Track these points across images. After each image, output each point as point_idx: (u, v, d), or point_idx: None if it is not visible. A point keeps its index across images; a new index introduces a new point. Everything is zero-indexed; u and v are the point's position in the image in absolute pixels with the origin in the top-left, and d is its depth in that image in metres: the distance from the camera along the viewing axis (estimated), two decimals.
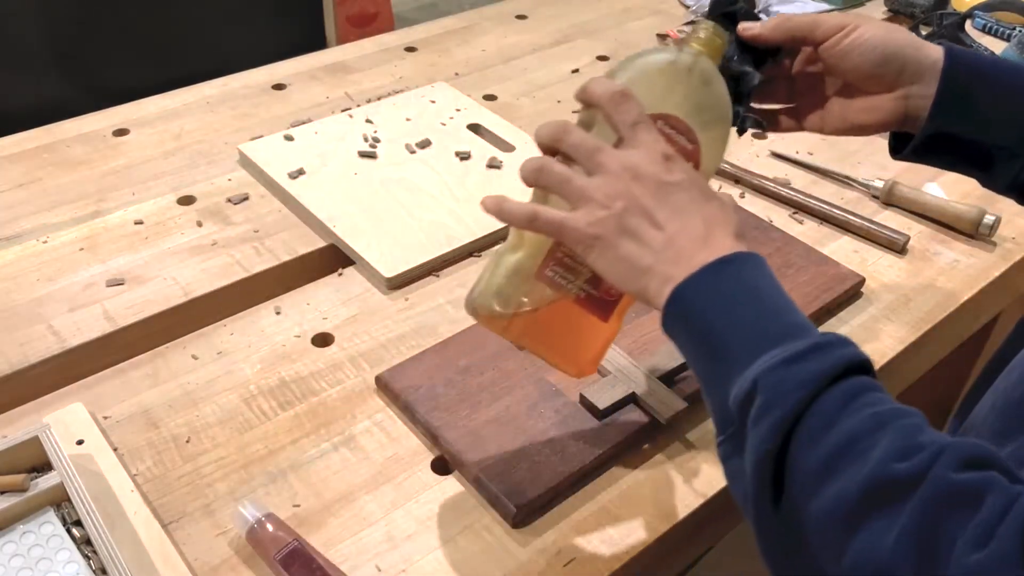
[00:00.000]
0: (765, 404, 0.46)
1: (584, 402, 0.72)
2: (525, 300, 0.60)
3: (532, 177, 0.56)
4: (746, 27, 0.64)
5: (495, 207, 0.56)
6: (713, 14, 0.64)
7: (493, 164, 1.01)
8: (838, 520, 0.43)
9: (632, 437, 0.70)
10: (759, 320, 0.50)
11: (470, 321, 0.81)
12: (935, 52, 0.65)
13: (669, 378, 0.74)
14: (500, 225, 0.92)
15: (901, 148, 0.69)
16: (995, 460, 0.43)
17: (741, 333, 0.50)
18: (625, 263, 0.54)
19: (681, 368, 0.75)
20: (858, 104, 0.68)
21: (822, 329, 0.83)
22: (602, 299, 0.60)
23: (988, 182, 0.69)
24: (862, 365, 0.48)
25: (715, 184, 1.03)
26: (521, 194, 0.94)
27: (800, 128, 0.71)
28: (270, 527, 0.61)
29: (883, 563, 0.41)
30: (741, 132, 0.66)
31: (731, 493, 0.51)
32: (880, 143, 1.13)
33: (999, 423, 0.55)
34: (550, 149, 0.57)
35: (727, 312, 0.50)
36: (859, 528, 0.43)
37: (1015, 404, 0.55)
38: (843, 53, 0.65)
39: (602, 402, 0.71)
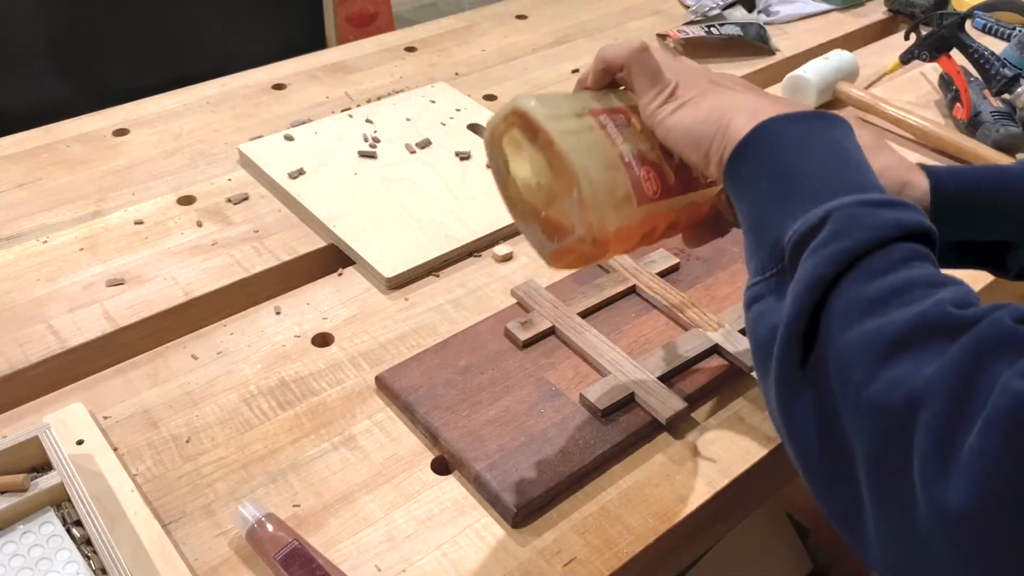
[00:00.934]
0: (834, 233, 0.46)
1: (584, 402, 0.72)
2: (571, 124, 0.57)
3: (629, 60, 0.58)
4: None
5: (602, 50, 0.59)
6: None
7: None
8: (878, 347, 0.42)
9: (632, 437, 0.70)
10: (843, 168, 0.49)
11: (470, 321, 0.81)
12: (921, 185, 0.63)
13: (669, 378, 0.74)
14: (500, 225, 0.92)
15: None
16: None
17: (822, 174, 0.49)
18: (711, 107, 0.54)
19: (681, 368, 0.75)
20: None
21: None
22: (641, 181, 0.57)
23: (1002, 274, 0.68)
24: (933, 239, 0.47)
25: None
26: None
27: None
28: (270, 527, 0.61)
29: (916, 389, 0.40)
30: None
31: (750, 336, 0.50)
32: None
33: None
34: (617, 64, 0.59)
35: (811, 154, 0.50)
36: (898, 357, 0.41)
37: None
38: None
39: (602, 402, 0.71)
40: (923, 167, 0.64)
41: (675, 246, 0.89)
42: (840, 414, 0.43)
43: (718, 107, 0.54)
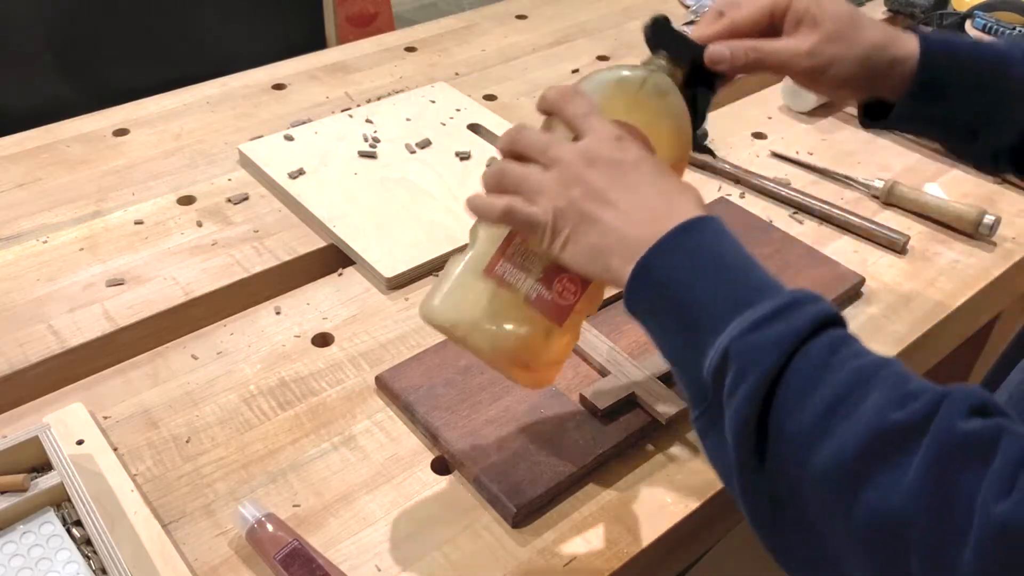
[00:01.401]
0: (740, 371, 0.45)
1: (584, 402, 0.72)
2: (473, 309, 0.59)
3: (493, 182, 0.57)
4: (714, 59, 0.63)
5: (471, 204, 0.58)
6: (658, 41, 0.64)
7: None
8: (840, 478, 0.42)
9: (632, 437, 0.70)
10: (725, 285, 0.49)
11: None
12: (909, 46, 0.64)
13: (669, 378, 0.74)
14: None
15: (872, 116, 0.68)
16: (997, 406, 0.43)
17: (708, 301, 0.49)
18: (590, 248, 0.53)
19: None
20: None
21: None
22: (555, 302, 0.59)
23: (978, 153, 0.68)
24: (834, 319, 0.47)
25: (716, 184, 1.03)
26: None
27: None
28: (270, 527, 0.61)
29: (896, 517, 0.40)
30: (696, 150, 0.67)
31: (713, 468, 0.50)
32: (881, 143, 1.14)
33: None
34: (510, 153, 0.57)
35: (692, 280, 0.50)
36: (865, 483, 0.41)
37: None
38: (814, 78, 0.65)
39: (602, 402, 0.71)
40: (919, 34, 0.64)
41: None
42: (826, 541, 0.44)
43: (595, 246, 0.53)
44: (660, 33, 0.64)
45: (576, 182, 0.54)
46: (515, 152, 0.57)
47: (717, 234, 0.51)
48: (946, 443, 0.40)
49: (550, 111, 0.58)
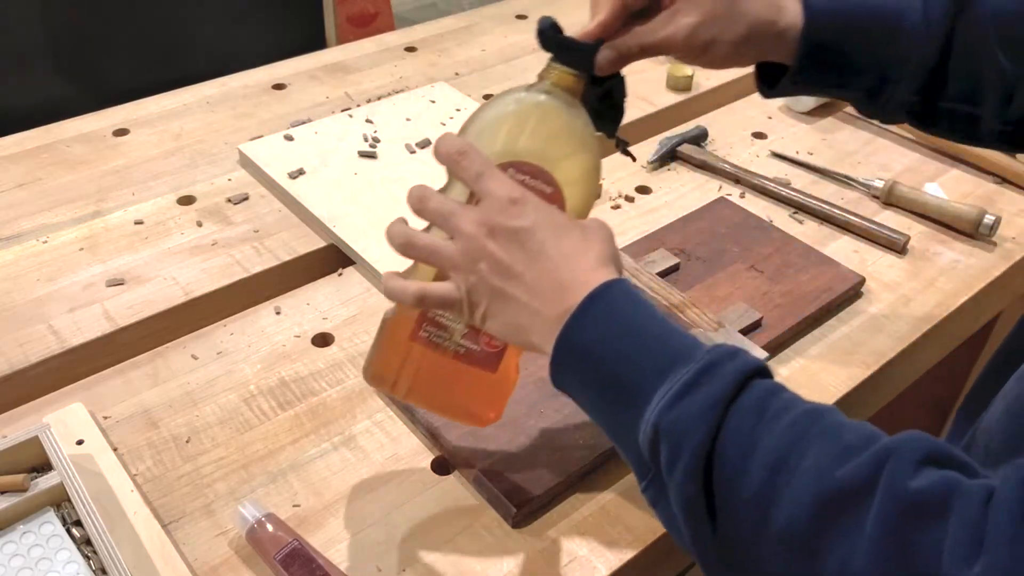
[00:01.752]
0: (673, 447, 0.45)
1: None
2: (405, 361, 0.61)
3: (402, 249, 0.56)
4: (605, 68, 0.61)
5: (384, 288, 0.57)
6: (553, 52, 0.62)
7: None
8: (798, 547, 0.42)
9: None
10: (643, 353, 0.48)
11: None
12: (793, 15, 0.61)
13: None
14: None
15: (769, 83, 0.66)
16: (947, 453, 0.42)
17: (629, 373, 0.48)
18: (508, 324, 0.53)
19: None
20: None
21: (823, 329, 0.83)
22: (484, 352, 0.60)
23: (870, 112, 0.67)
24: (756, 371, 0.46)
25: (716, 184, 1.03)
26: None
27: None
28: (270, 527, 0.61)
29: None
30: (622, 151, 0.65)
31: (669, 534, 0.49)
32: (881, 143, 1.14)
33: (1013, 428, 0.55)
34: (417, 216, 0.57)
35: (610, 354, 0.49)
36: (823, 550, 0.41)
37: None
38: (695, 57, 0.62)
39: None
40: (804, 2, 0.62)
41: (675, 246, 0.89)
42: None
43: (511, 324, 0.53)
44: (548, 43, 0.61)
45: (481, 256, 0.53)
46: (422, 209, 0.56)
47: (626, 298, 0.50)
48: (898, 503, 0.40)
49: (446, 166, 0.57)
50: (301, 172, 0.98)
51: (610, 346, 0.49)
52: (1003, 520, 0.38)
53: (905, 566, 0.39)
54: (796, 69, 0.62)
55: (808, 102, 1.16)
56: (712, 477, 0.44)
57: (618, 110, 0.63)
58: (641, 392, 0.47)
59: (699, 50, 0.61)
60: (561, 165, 0.57)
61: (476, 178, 0.54)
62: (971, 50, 0.61)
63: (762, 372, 0.47)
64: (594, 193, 0.60)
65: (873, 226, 0.94)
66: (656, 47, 0.60)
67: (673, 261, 0.86)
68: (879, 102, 0.64)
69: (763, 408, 0.45)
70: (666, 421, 0.45)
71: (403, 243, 0.56)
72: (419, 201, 0.56)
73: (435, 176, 1.04)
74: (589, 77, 0.60)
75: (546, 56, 0.61)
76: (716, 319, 0.79)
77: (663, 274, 0.85)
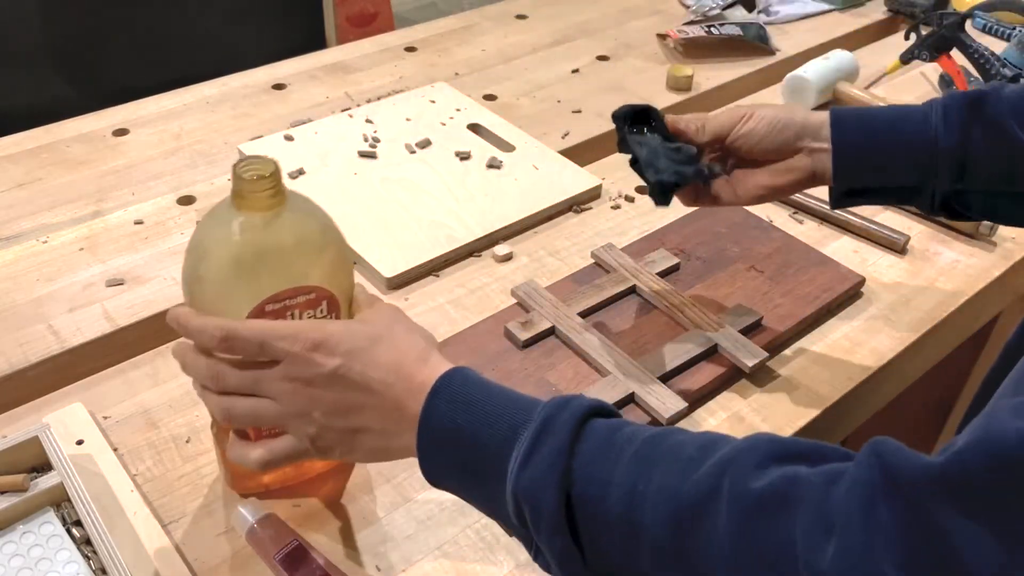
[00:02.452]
0: (534, 511, 0.46)
1: None
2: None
3: (225, 418, 0.54)
4: (676, 126, 0.72)
5: (231, 455, 0.55)
6: (626, 119, 0.72)
7: (493, 164, 1.01)
8: (666, 565, 0.44)
9: None
10: (488, 428, 0.49)
11: (470, 321, 0.81)
12: (823, 113, 0.70)
13: (669, 378, 0.74)
14: (500, 225, 0.92)
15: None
16: (789, 451, 0.44)
17: (483, 456, 0.49)
18: (369, 451, 0.53)
19: (681, 368, 0.75)
20: (769, 170, 0.72)
21: (823, 329, 0.83)
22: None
23: (920, 208, 0.72)
24: (592, 412, 0.48)
25: None
26: (517, 193, 0.94)
27: (717, 204, 0.74)
28: (270, 527, 0.61)
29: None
30: (707, 181, 0.71)
31: None
32: None
33: None
34: (217, 389, 0.54)
35: (462, 440, 0.49)
36: (691, 563, 0.43)
37: None
38: (746, 134, 0.71)
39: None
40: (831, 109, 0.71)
41: (675, 246, 0.89)
42: None
43: (371, 450, 0.53)
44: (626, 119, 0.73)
45: (310, 406, 0.52)
46: (223, 388, 0.53)
47: (463, 383, 0.51)
48: (742, 504, 0.42)
49: (215, 352, 0.53)
50: (301, 172, 0.98)
51: (461, 433, 0.49)
52: (849, 499, 0.39)
53: (764, 561, 0.41)
54: (836, 165, 0.69)
55: (808, 101, 1.16)
56: (576, 525, 0.46)
57: (692, 160, 0.70)
58: (497, 465, 0.48)
59: (747, 131, 0.72)
60: (310, 272, 0.54)
61: (260, 351, 0.51)
62: (991, 131, 0.66)
63: (598, 411, 0.49)
64: (349, 260, 0.59)
65: (873, 226, 0.94)
66: (720, 134, 0.72)
67: (673, 261, 0.86)
68: (927, 197, 0.69)
69: (606, 447, 0.47)
70: (521, 487, 0.47)
71: (224, 415, 0.53)
72: (216, 381, 0.53)
73: (435, 176, 1.04)
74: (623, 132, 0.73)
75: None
76: (716, 319, 0.79)
77: (663, 274, 0.85)
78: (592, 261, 0.88)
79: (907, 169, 0.68)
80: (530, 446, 0.47)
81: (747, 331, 0.79)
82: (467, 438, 0.49)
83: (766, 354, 0.77)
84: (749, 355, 0.76)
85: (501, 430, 0.49)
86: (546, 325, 0.78)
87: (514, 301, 0.83)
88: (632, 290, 0.83)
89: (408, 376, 0.52)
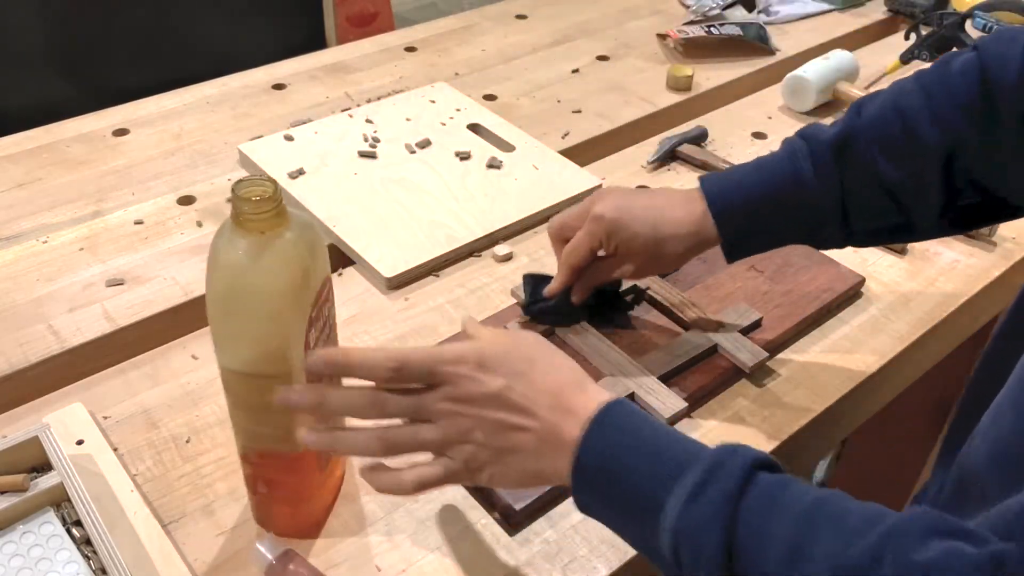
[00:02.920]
0: (693, 552, 0.47)
1: None
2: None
3: (382, 447, 0.54)
4: (576, 301, 0.76)
5: (379, 487, 0.56)
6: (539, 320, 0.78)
7: (493, 164, 1.01)
8: None
9: None
10: (652, 466, 0.50)
11: None
12: (710, 234, 0.69)
13: (669, 378, 0.74)
14: (500, 225, 0.92)
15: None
16: (953, 527, 0.43)
17: (642, 488, 0.49)
18: (520, 474, 0.54)
19: (681, 368, 0.75)
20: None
21: (823, 329, 0.83)
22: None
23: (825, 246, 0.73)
24: (762, 463, 0.48)
25: None
26: (517, 193, 0.94)
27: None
28: (290, 563, 0.59)
29: None
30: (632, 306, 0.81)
31: None
32: None
33: (1001, 475, 0.54)
34: (380, 416, 0.55)
35: (622, 473, 0.50)
36: None
37: (1015, 458, 0.55)
38: (623, 258, 0.73)
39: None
40: (702, 185, 0.70)
41: None
42: None
43: (523, 473, 0.54)
44: (533, 314, 0.78)
45: (473, 425, 0.53)
46: (384, 415, 0.55)
47: (628, 416, 0.52)
48: (905, 571, 0.41)
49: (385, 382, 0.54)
50: (301, 172, 0.98)
51: (620, 463, 0.50)
52: None
53: None
54: (729, 253, 0.71)
55: (808, 101, 1.16)
56: (733, 571, 0.46)
57: (624, 305, 0.81)
58: (655, 503, 0.49)
59: (645, 276, 0.76)
60: (325, 266, 0.56)
61: (429, 375, 0.53)
62: (863, 174, 0.67)
63: (765, 464, 0.49)
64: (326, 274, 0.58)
65: None
66: (607, 282, 0.76)
67: None
68: (820, 243, 0.71)
69: (771, 501, 0.47)
70: (681, 526, 0.47)
71: (385, 447, 0.54)
72: (376, 407, 0.54)
73: (435, 176, 1.04)
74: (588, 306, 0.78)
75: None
76: (716, 319, 0.79)
77: (664, 274, 0.85)
78: None
79: (793, 231, 0.70)
80: (697, 487, 0.47)
81: (747, 331, 0.79)
82: (627, 471, 0.50)
83: (766, 354, 0.77)
84: (749, 355, 0.76)
85: (666, 467, 0.49)
86: (545, 324, 0.78)
87: (514, 301, 0.83)
88: (632, 289, 0.83)
89: (568, 401, 0.53)
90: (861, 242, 0.72)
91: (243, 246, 0.51)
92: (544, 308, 0.77)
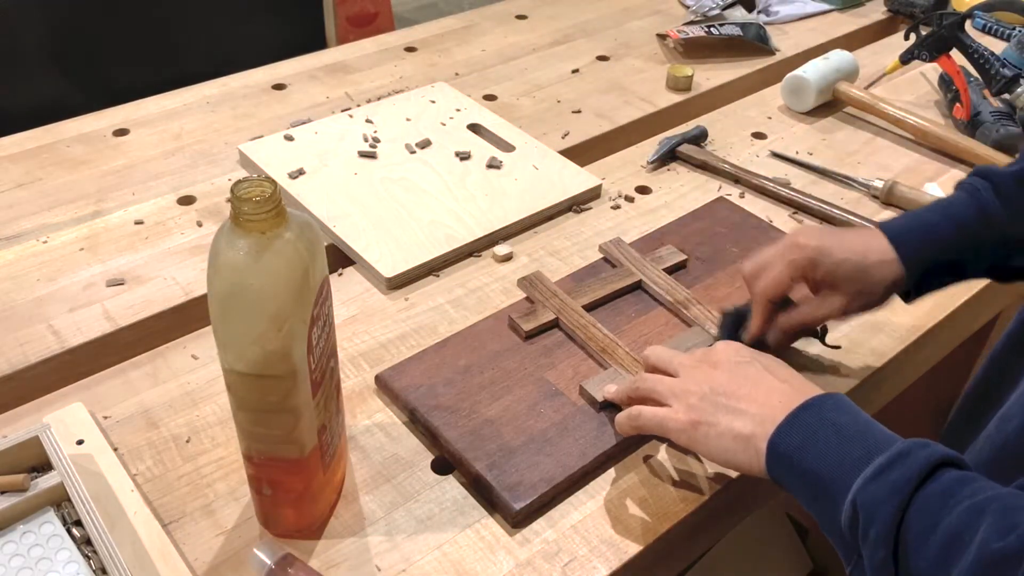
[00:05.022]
0: (867, 519, 0.50)
1: (583, 394, 0.72)
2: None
3: (630, 389, 0.67)
4: (776, 347, 0.74)
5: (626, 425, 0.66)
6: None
7: (493, 164, 1.01)
8: None
9: (632, 437, 0.70)
10: (844, 448, 0.54)
11: (470, 321, 0.81)
12: (889, 263, 0.69)
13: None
14: (500, 225, 0.92)
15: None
16: None
17: (831, 465, 0.54)
18: (727, 436, 0.59)
19: None
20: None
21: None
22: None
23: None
24: (948, 460, 0.51)
25: (716, 184, 1.03)
26: (517, 193, 0.94)
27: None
28: (290, 570, 0.58)
29: None
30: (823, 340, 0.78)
31: None
32: (881, 143, 1.14)
33: (1003, 477, 0.55)
34: (647, 367, 0.69)
35: (814, 450, 0.55)
36: None
37: (1019, 459, 0.56)
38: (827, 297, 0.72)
39: (601, 395, 0.71)
40: (882, 226, 0.70)
41: (676, 246, 0.89)
42: None
43: (730, 435, 0.60)
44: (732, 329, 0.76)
45: (705, 380, 0.62)
46: (648, 366, 0.68)
47: (834, 407, 0.57)
48: None
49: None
50: (301, 172, 0.98)
51: (817, 445, 0.55)
52: None
53: None
54: (916, 289, 0.71)
55: (808, 101, 1.16)
56: (898, 545, 0.49)
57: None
58: (843, 481, 0.53)
59: (853, 313, 0.72)
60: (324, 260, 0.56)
61: (704, 355, 0.66)
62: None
63: (953, 462, 0.51)
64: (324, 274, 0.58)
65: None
66: (814, 324, 0.74)
67: (681, 257, 0.87)
68: (1006, 276, 0.72)
69: (950, 493, 0.49)
70: (863, 496, 0.51)
71: (631, 384, 0.67)
72: (649, 359, 0.68)
73: (435, 176, 1.04)
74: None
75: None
76: (719, 317, 0.79)
77: (670, 270, 0.85)
78: (599, 256, 0.89)
79: (979, 264, 0.70)
80: (883, 466, 0.51)
81: None
82: (816, 456, 0.55)
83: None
84: None
85: (856, 452, 0.53)
86: (550, 317, 0.78)
87: (515, 299, 0.83)
88: (638, 285, 0.83)
89: (798, 386, 0.60)
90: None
91: (244, 247, 0.51)
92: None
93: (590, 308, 0.81)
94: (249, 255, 0.51)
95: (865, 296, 0.70)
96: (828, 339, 0.78)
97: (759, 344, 0.73)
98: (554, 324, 0.79)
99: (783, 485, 0.57)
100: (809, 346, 0.81)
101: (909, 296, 0.71)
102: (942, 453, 0.51)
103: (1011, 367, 0.69)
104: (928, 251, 0.69)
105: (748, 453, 0.58)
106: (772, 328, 0.73)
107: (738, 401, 0.60)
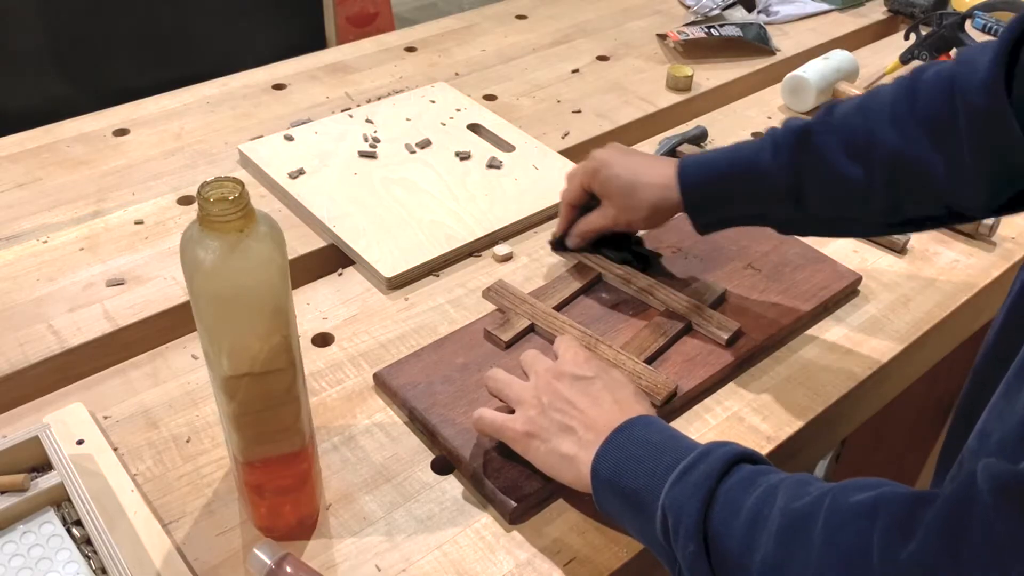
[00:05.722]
0: (676, 519, 0.53)
1: None
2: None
3: (489, 388, 0.69)
4: (572, 247, 0.86)
5: (478, 424, 0.67)
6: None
7: (493, 164, 1.01)
8: (771, 572, 0.49)
9: None
10: (654, 462, 0.57)
11: (469, 320, 0.81)
12: (663, 187, 0.76)
13: (652, 360, 0.75)
14: (500, 225, 0.92)
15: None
16: (886, 483, 0.49)
17: (644, 479, 0.57)
18: (555, 454, 0.62)
19: (662, 350, 0.76)
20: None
21: (822, 329, 0.83)
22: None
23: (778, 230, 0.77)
24: (746, 456, 0.55)
25: None
26: (517, 193, 0.94)
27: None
28: (289, 569, 0.58)
29: None
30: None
31: None
32: None
33: None
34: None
35: (629, 469, 0.58)
36: (789, 567, 0.48)
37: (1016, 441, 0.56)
38: (625, 228, 0.82)
39: None
40: (680, 179, 0.75)
41: (672, 244, 0.89)
42: None
43: (556, 453, 0.63)
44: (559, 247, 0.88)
45: (547, 392, 0.65)
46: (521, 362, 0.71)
47: (646, 426, 0.60)
48: (836, 512, 0.48)
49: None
50: (301, 172, 0.98)
51: (631, 463, 0.58)
52: (932, 516, 0.44)
53: (847, 562, 0.46)
54: (693, 219, 0.77)
55: (808, 101, 1.16)
56: (707, 539, 0.52)
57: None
58: (654, 492, 0.56)
59: (624, 225, 0.81)
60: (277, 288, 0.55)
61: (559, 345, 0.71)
62: (819, 163, 0.69)
63: (749, 457, 0.56)
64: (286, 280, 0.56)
65: None
66: (597, 231, 0.83)
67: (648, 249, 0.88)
68: (779, 225, 0.75)
69: (751, 480, 0.53)
70: (669, 500, 0.54)
71: (490, 376, 0.69)
72: (522, 357, 0.71)
73: (435, 176, 1.04)
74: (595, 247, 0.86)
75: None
76: (685, 298, 0.81)
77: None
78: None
79: (747, 205, 0.74)
80: (685, 468, 0.55)
81: (715, 305, 0.82)
82: (631, 472, 0.58)
83: (738, 325, 0.78)
84: (723, 328, 0.78)
85: (664, 463, 0.57)
86: (525, 323, 0.79)
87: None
88: (599, 279, 0.84)
89: (627, 408, 0.63)
90: (819, 231, 0.76)
91: (227, 248, 0.50)
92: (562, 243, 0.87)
93: (560, 307, 0.81)
94: (236, 255, 0.50)
95: (631, 211, 0.78)
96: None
97: (559, 243, 0.87)
98: (530, 330, 0.79)
99: (607, 509, 0.60)
100: (810, 345, 0.81)
101: (697, 223, 0.76)
102: (739, 450, 0.55)
103: (989, 379, 0.69)
104: (705, 183, 0.74)
105: (572, 472, 0.61)
106: (571, 231, 0.85)
107: (571, 418, 0.63)
